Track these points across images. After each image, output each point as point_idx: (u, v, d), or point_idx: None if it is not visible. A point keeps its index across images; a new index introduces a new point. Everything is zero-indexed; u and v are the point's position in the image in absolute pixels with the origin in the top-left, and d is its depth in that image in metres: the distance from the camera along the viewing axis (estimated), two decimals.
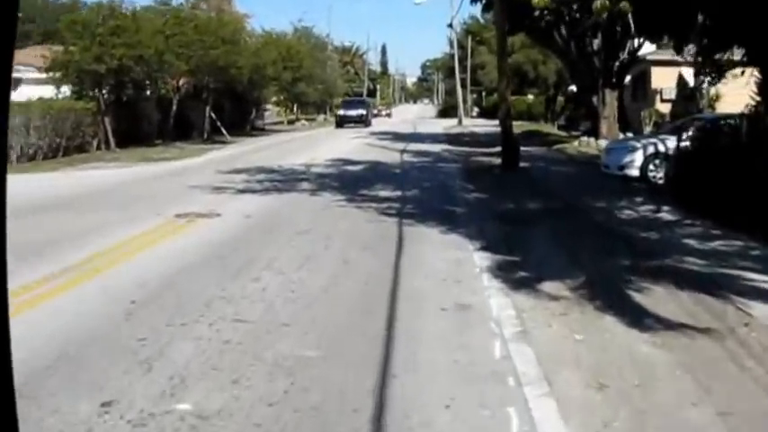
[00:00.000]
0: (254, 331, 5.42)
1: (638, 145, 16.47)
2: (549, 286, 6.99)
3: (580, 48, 27.31)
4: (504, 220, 11.08)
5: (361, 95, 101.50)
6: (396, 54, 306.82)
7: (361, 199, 13.18)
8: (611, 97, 26.78)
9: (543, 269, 7.80)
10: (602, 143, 26.76)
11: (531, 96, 68.35)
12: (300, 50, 45.36)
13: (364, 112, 50.76)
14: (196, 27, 27.52)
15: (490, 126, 52.44)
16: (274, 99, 54.39)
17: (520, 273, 7.66)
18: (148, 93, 31.72)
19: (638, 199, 13.18)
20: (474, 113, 79.90)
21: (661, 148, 16.18)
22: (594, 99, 27.52)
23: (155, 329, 5.40)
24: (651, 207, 12.09)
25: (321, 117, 68.08)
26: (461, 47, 70.90)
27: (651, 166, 16.10)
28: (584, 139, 27.75)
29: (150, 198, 13.54)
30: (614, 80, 26.89)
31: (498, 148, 27.63)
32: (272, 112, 58.56)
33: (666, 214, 11.36)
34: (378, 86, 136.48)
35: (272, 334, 5.35)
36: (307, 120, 59.72)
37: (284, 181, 16.00)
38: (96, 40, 23.41)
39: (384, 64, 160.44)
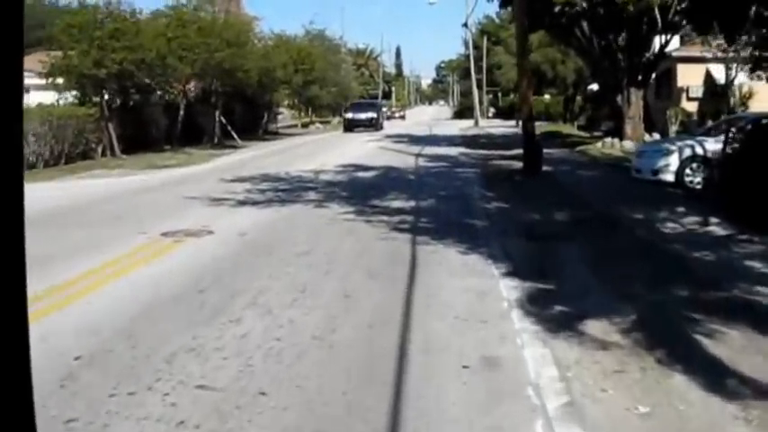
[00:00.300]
0: (221, 404, 4.18)
1: (674, 147, 15.11)
2: (594, 327, 5.72)
3: (603, 45, 25.93)
4: (530, 236, 9.81)
5: (376, 98, 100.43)
6: (410, 56, 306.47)
7: (371, 211, 11.94)
8: (636, 96, 25.37)
9: (584, 302, 6.53)
10: (627, 144, 25.42)
11: (547, 96, 67.02)
12: (312, 53, 44.18)
13: (375, 115, 46.58)
14: (200, 29, 26.36)
15: (507, 127, 51.15)
16: (287, 102, 53.36)
17: (556, 307, 6.40)
18: (156, 97, 30.84)
19: (680, 209, 11.84)
20: (490, 114, 78.51)
21: (699, 150, 14.82)
22: (619, 98, 26.13)
23: (93, 403, 4.17)
24: (697, 219, 10.75)
25: (336, 120, 66.97)
26: (476, 47, 69.53)
27: (688, 171, 14.75)
28: (608, 140, 26.35)
29: (141, 212, 12.37)
30: (640, 78, 25.47)
31: (518, 151, 26.35)
32: (285, 116, 57.54)
33: (716, 228, 10.02)
34: (393, 89, 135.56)
35: (243, 410, 4.10)
36: (321, 123, 58.60)
37: (289, 190, 14.78)
38: (95, 44, 22.32)
39: (399, 66, 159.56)
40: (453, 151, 26.48)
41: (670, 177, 14.78)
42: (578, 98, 50.59)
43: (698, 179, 14.67)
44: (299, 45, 44.27)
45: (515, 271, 7.79)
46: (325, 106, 61.82)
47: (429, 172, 18.85)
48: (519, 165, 19.26)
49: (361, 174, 18.07)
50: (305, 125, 54.78)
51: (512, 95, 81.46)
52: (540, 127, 47.35)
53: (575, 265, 8.17)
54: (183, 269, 7.88)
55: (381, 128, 45.73)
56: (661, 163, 14.94)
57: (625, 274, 7.61)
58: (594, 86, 42.53)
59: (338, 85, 59.27)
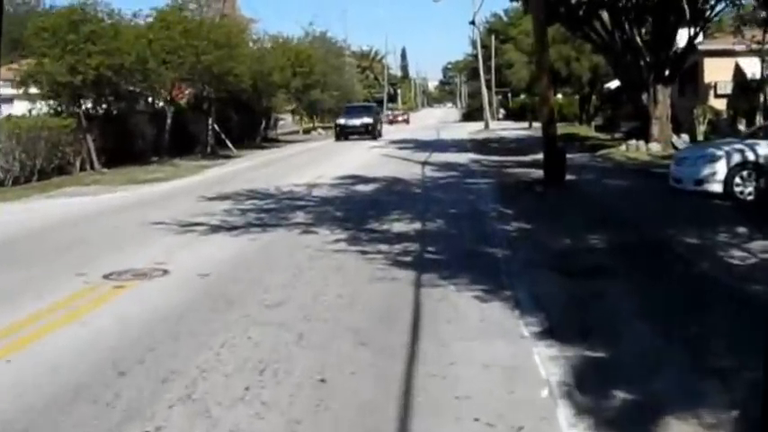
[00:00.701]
0: None
1: (721, 153, 13.04)
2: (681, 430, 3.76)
3: (625, 39, 23.87)
4: (563, 270, 7.79)
5: (381, 101, 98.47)
6: (416, 58, 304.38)
7: (367, 238, 9.96)
8: (663, 95, 23.32)
9: (656, 382, 4.61)
10: (654, 147, 23.39)
11: (560, 96, 64.81)
12: (311, 55, 42.16)
13: (370, 120, 40.00)
14: (185, 31, 24.37)
15: (519, 129, 49.04)
16: (288, 108, 51.45)
17: (618, 395, 4.44)
18: (142, 105, 29.00)
19: (740, 228, 9.79)
20: (500, 116, 76.39)
21: (750, 155, 12.78)
22: (644, 97, 24.06)
23: None
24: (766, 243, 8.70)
25: None
26: (484, 47, 67.48)
27: (738, 180, 12.70)
28: (632, 142, 24.26)
29: (93, 243, 10.42)
30: (667, 74, 23.40)
31: (535, 157, 24.36)
32: (286, 122, 55.65)
33: None
34: (399, 91, 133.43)
35: None
36: (323, 128, 56.64)
37: (275, 211, 12.78)
38: (69, 49, 20.41)
39: (404, 67, 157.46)
40: (463, 158, 24.45)
41: (717, 188, 12.72)
42: (594, 98, 48.51)
43: (749, 189, 12.63)
44: (298, 47, 42.23)
45: (552, 328, 5.82)
46: (328, 111, 59.87)
47: (437, 184, 16.83)
48: (538, 173, 17.27)
49: (360, 187, 16.08)
50: (306, 131, 52.88)
51: (522, 96, 79.54)
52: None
53: (629, 318, 6.17)
54: (109, 335, 5.90)
55: (379, 135, 40.37)
56: (706, 171, 12.88)
57: (700, 333, 5.63)
58: (612, 85, 40.40)
59: (341, 89, 57.31)
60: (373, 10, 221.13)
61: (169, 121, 26.32)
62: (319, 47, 57.01)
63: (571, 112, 58.74)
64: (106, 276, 7.89)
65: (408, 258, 8.61)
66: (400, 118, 78.95)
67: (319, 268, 8.18)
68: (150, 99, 26.78)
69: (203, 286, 7.56)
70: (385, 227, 10.77)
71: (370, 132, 39.11)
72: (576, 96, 53.03)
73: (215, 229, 10.98)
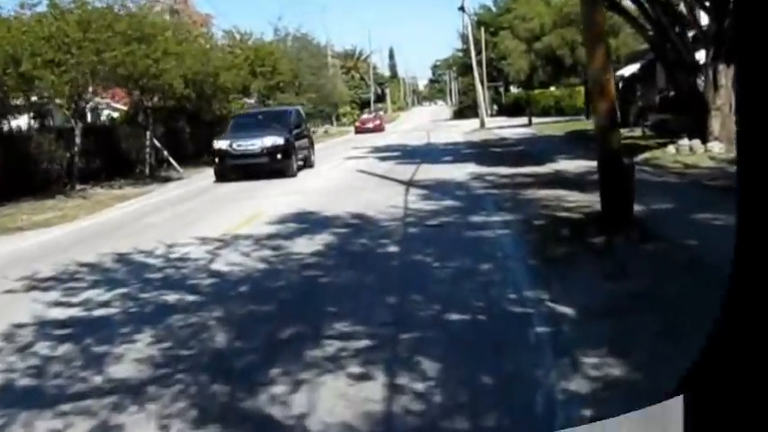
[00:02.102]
0: None
1: None
2: None
3: (667, 4, 17.91)
4: None
5: (368, 102, 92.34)
6: (405, 57, 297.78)
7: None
8: (725, 77, 17.29)
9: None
10: (716, 148, 17.43)
11: (552, 89, 58.80)
12: (272, 52, 35.94)
13: (280, 141, 21.13)
14: (81, 22, 18.21)
15: (518, 127, 42.70)
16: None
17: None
18: (52, 120, 23.07)
19: None
20: (492, 112, 70.28)
21: None
22: (699, 82, 18.11)
23: None
24: None
25: (321, 130, 58.70)
26: (475, 42, 61.45)
27: None
28: (684, 142, 18.23)
29: None
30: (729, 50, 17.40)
31: (553, 166, 18.65)
32: None
33: None
34: (387, 91, 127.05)
35: None
36: None
37: (95, 336, 6.45)
38: None
39: (392, 67, 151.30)
40: (461, 173, 18.26)
41: None
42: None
43: None
44: (257, 44, 36.02)
45: None
46: (309, 115, 53.79)
47: (425, 232, 10.52)
48: (577, 199, 11.43)
49: (301, 243, 9.91)
50: None
51: (516, 90, 73.60)
52: (562, 126, 39.30)
53: None
54: None
55: (309, 166, 23.57)
56: None
57: None
58: (628, 70, 34.36)
59: (320, 91, 51.25)
60: (356, 10, 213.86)
61: (78, 139, 20.21)
62: (296, 46, 51.16)
63: (569, 105, 52.75)
64: None
65: None
66: (371, 124, 56.28)
67: None
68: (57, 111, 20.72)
69: None
70: (305, 375, 4.74)
71: (279, 166, 20.75)
72: (581, 88, 46.97)
73: None
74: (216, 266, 8.81)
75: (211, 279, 8.18)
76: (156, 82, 21.35)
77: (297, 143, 22.41)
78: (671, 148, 18.48)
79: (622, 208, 9.27)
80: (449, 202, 13.24)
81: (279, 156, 20.78)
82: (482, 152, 25.80)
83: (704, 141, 17.75)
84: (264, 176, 20.11)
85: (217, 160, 21.40)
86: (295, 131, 22.66)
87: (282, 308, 6.80)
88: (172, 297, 7.43)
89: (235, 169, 20.81)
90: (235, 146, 21.10)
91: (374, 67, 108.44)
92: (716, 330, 1.69)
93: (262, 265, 8.74)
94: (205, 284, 7.98)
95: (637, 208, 9.82)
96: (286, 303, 6.98)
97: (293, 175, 20.85)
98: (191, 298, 7.38)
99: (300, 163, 22.54)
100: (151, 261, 9.38)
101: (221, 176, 20.97)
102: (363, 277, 7.77)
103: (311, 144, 25.35)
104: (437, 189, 15.41)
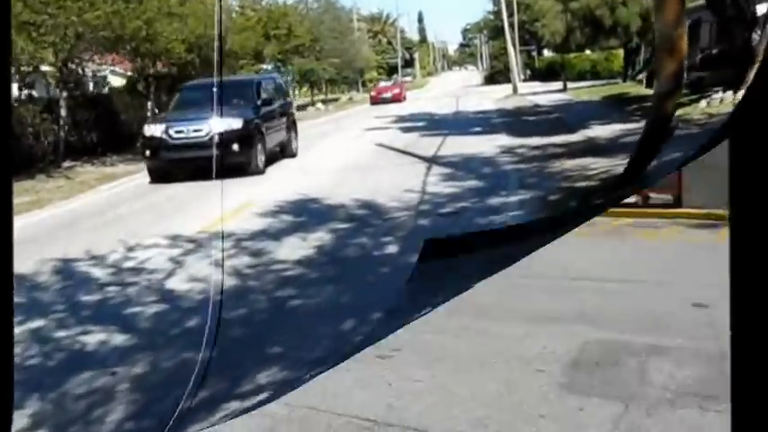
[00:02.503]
0: None
1: None
2: None
3: None
4: None
5: (396, 67, 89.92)
6: (434, 21, 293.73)
7: None
8: None
9: None
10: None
11: (588, 52, 56.02)
12: (287, 13, 33.81)
13: (238, 123, 13.70)
14: None
15: (553, 93, 40.30)
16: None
17: None
18: (44, 90, 21.32)
19: None
20: (525, 77, 67.69)
21: None
22: (755, 36, 15.59)
23: None
24: None
25: (345, 97, 56.57)
26: (507, 2, 58.60)
27: None
28: (717, 96, 15.84)
29: None
30: None
31: (585, 133, 16.65)
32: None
33: None
34: (416, 56, 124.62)
35: None
36: (323, 102, 48.43)
37: None
38: None
39: (422, 31, 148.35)
40: (489, 146, 16.03)
41: None
42: (643, 50, 39.85)
43: None
44: (270, 5, 33.93)
45: None
46: (330, 81, 51.66)
47: (436, 222, 8.54)
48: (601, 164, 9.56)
49: (284, 250, 7.96)
50: (301, 108, 44.73)
51: (549, 53, 70.79)
52: (597, 91, 36.99)
53: None
54: None
55: (291, 155, 16.71)
56: None
57: None
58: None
59: (343, 56, 49.03)
60: None
61: (63, 112, 18.44)
62: (318, 8, 49.02)
63: (606, 68, 50.10)
64: None
65: None
66: (389, 93, 50.23)
67: None
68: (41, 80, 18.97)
69: None
70: None
71: (238, 155, 13.90)
72: (621, 51, 44.29)
73: None
74: (171, 284, 6.86)
75: (157, 307, 6.22)
76: (148, 46, 19.38)
77: (266, 126, 15.87)
78: (702, 103, 16.19)
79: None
80: (470, 183, 11.31)
81: (235, 146, 13.74)
82: (514, 121, 23.71)
83: (735, 92, 15.40)
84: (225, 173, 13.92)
85: (148, 153, 15.23)
86: (265, 110, 16.34)
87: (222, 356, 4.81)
88: (94, 338, 5.49)
89: (173, 165, 14.06)
90: (173, 132, 14.57)
91: (402, 32, 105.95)
92: None
93: (230, 282, 6.75)
94: (146, 315, 6.03)
95: None
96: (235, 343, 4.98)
97: (258, 171, 14.49)
98: (118, 340, 5.43)
99: (276, 149, 16.09)
100: (97, 273, 7.48)
101: (158, 176, 14.64)
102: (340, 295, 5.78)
103: (293, 125, 18.23)
104: (461, 167, 13.38)
